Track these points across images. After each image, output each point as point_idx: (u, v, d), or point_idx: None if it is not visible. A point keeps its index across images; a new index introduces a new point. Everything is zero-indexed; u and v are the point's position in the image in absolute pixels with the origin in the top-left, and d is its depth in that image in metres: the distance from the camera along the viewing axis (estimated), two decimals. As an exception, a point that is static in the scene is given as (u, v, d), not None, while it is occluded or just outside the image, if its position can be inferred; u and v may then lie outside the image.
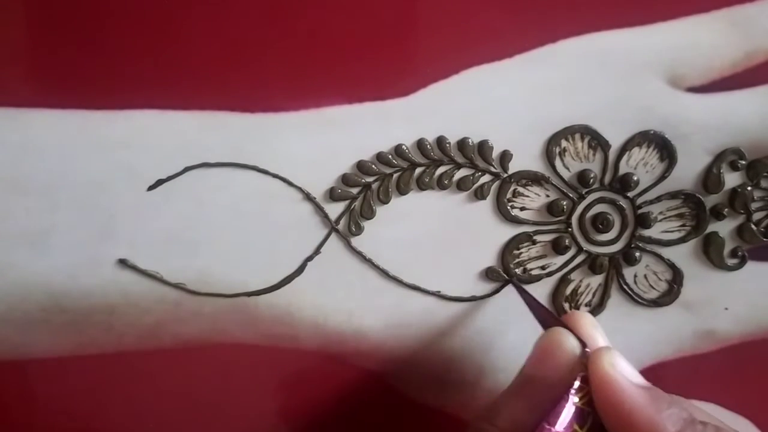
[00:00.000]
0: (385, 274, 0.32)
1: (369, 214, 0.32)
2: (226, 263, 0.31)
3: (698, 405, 0.28)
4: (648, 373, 0.34)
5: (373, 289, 0.32)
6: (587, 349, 0.27)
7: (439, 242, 0.32)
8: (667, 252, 0.34)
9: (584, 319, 0.29)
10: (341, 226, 0.32)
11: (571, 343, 0.27)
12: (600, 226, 0.33)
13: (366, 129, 0.31)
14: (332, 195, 0.31)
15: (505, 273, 0.33)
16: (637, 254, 0.33)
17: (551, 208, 0.33)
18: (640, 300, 0.34)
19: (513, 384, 0.28)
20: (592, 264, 0.33)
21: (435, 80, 0.31)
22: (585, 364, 0.26)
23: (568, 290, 0.33)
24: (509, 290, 0.33)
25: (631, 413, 0.25)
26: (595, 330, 0.29)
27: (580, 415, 0.26)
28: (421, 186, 0.32)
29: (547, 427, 0.25)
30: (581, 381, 0.26)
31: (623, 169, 0.33)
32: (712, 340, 0.35)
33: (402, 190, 0.32)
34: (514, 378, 0.29)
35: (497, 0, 0.31)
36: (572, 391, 0.26)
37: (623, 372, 0.26)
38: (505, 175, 0.32)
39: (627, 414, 0.25)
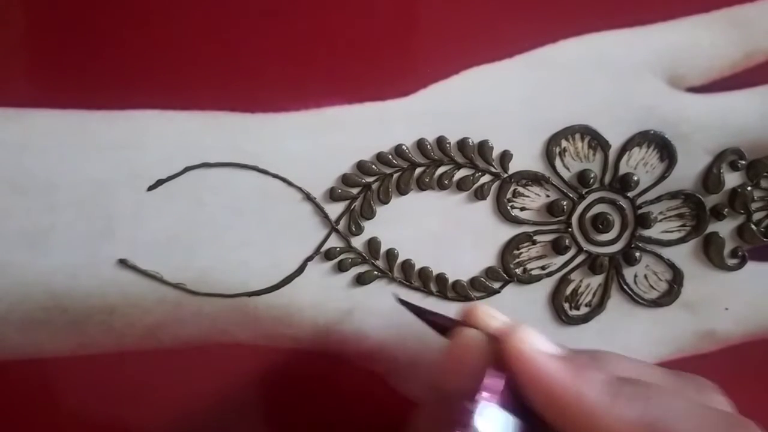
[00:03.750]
0: (385, 274, 0.32)
1: (369, 214, 0.32)
2: (226, 263, 0.31)
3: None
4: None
5: (373, 290, 0.32)
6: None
7: (439, 242, 0.32)
8: (667, 252, 0.34)
9: (478, 312, 0.27)
10: (341, 226, 0.32)
11: (474, 335, 0.26)
12: (600, 226, 0.33)
13: (366, 129, 0.31)
14: (332, 195, 0.31)
15: (505, 273, 0.33)
16: (637, 254, 0.33)
17: (551, 208, 0.33)
18: (640, 300, 0.34)
19: (431, 404, 0.27)
20: (592, 264, 0.33)
21: (435, 80, 0.31)
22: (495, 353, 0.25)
23: (568, 290, 0.33)
24: (510, 290, 0.33)
25: (549, 386, 0.24)
26: (493, 317, 0.27)
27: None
28: (421, 186, 0.32)
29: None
30: (494, 370, 0.25)
31: (623, 169, 0.33)
32: (713, 340, 0.34)
33: (402, 190, 0.32)
34: (427, 395, 0.27)
35: (497, 0, 0.31)
36: (485, 388, 0.24)
37: (536, 345, 0.25)
38: (505, 175, 0.32)
39: (546, 388, 0.24)
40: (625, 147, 0.33)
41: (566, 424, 0.24)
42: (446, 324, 0.28)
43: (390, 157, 0.31)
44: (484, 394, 0.24)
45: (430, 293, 0.33)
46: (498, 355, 0.25)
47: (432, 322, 0.29)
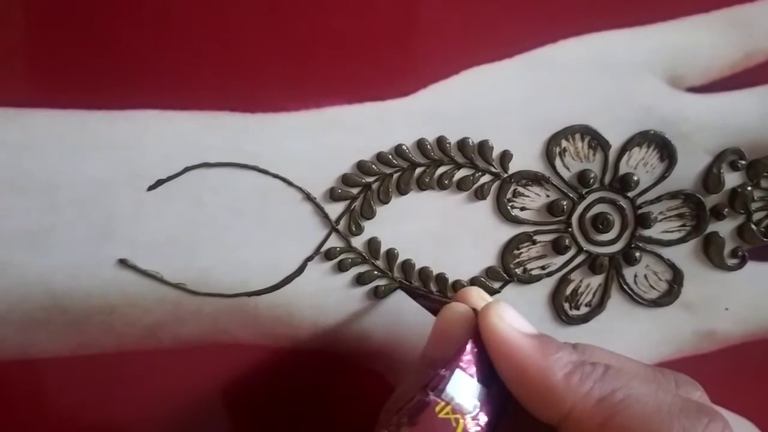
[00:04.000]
0: (385, 274, 0.32)
1: (369, 214, 0.32)
2: (226, 263, 0.31)
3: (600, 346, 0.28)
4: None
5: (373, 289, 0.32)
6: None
7: (439, 242, 0.32)
8: (667, 252, 0.34)
9: (471, 292, 0.29)
10: (341, 226, 0.32)
11: (462, 310, 0.27)
12: (600, 226, 0.33)
13: (366, 129, 0.31)
14: (332, 195, 0.31)
15: (505, 273, 0.33)
16: (637, 254, 0.33)
17: (551, 208, 0.33)
18: (640, 300, 0.34)
19: (416, 370, 0.28)
20: (592, 264, 0.33)
21: (435, 80, 0.31)
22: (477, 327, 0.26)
23: (568, 290, 0.33)
24: (511, 290, 0.33)
25: (520, 361, 0.25)
26: (484, 298, 0.28)
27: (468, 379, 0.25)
28: (421, 186, 0.32)
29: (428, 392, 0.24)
30: (472, 343, 0.26)
31: (623, 169, 0.33)
32: (713, 340, 0.35)
33: (402, 190, 0.32)
34: (415, 364, 0.28)
35: (497, 0, 0.31)
36: (461, 357, 0.25)
37: (511, 323, 0.25)
38: (505, 175, 0.32)
39: (517, 363, 0.25)
40: (625, 147, 0.33)
41: (529, 398, 0.25)
42: (439, 307, 0.28)
43: (390, 157, 0.31)
44: (460, 363, 0.25)
45: (430, 293, 0.33)
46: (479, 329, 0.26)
47: (427, 306, 0.30)
